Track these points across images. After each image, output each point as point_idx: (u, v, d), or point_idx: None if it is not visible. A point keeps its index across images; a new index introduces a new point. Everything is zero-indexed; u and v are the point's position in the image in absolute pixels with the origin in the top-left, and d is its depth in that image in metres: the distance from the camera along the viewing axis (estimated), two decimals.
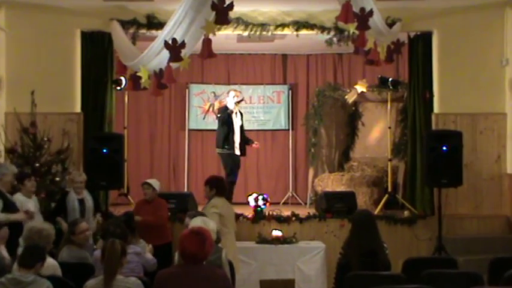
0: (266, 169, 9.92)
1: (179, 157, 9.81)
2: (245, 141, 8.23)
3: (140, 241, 5.05)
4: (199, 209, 6.37)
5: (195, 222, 4.39)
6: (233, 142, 7.99)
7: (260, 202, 7.31)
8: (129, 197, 7.81)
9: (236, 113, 8.18)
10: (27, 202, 5.62)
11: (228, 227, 5.84)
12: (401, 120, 8.71)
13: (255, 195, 7.39)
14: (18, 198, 5.60)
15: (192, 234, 3.48)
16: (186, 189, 9.35)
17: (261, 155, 9.86)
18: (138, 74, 6.62)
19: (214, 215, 5.59)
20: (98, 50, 7.37)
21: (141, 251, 4.77)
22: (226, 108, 8.16)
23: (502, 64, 7.44)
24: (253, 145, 8.28)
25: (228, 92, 8.50)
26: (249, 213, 7.25)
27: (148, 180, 6.53)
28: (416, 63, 7.63)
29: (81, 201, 6.03)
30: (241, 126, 8.16)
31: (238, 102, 8.17)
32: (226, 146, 7.89)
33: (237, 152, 8.08)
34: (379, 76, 7.96)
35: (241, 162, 9.53)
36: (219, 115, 7.93)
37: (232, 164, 8.06)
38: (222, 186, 5.91)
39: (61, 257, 4.67)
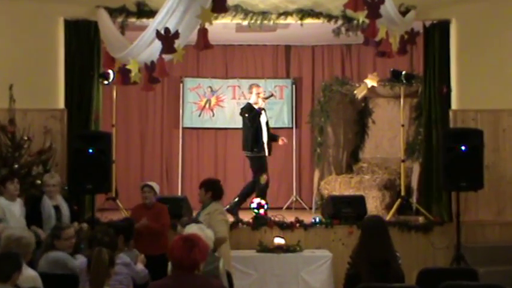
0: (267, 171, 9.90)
1: (172, 158, 9.82)
2: (271, 138, 8.09)
3: (133, 250, 5.05)
4: (194, 214, 6.38)
5: (191, 230, 4.38)
6: (262, 143, 7.89)
7: (253, 206, 7.35)
8: (117, 201, 7.79)
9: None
10: (11, 206, 5.60)
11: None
12: (415, 117, 8.71)
13: (257, 201, 7.40)
14: (1, 202, 5.56)
15: (180, 240, 3.50)
16: (180, 193, 9.35)
17: None
18: (127, 67, 6.62)
19: (223, 223, 5.59)
20: (83, 40, 7.35)
21: (131, 261, 4.75)
22: (250, 106, 7.96)
23: None
24: (280, 142, 8.15)
25: (250, 89, 8.39)
26: (248, 218, 7.27)
27: (150, 183, 6.52)
28: (432, 54, 7.61)
29: (57, 208, 5.97)
30: (267, 123, 8.07)
31: (266, 98, 8.04)
32: (255, 149, 7.81)
33: (266, 152, 7.98)
34: (392, 69, 7.95)
35: (242, 164, 9.59)
36: (246, 115, 7.84)
37: (263, 166, 7.95)
38: (218, 189, 5.90)
39: (41, 266, 4.63)
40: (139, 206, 6.55)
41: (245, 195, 7.77)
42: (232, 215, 7.31)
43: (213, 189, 5.85)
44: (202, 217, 5.55)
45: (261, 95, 8.01)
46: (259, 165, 7.88)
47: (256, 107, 7.90)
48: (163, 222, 6.31)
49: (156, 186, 6.53)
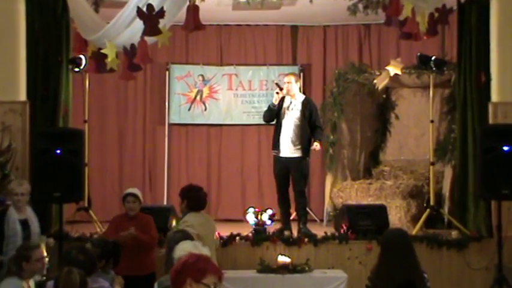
0: (270, 176, 9.77)
1: (157, 160, 9.84)
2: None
3: (109, 272, 5.02)
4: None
5: (182, 248, 4.29)
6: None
7: (264, 218, 7.30)
8: (90, 212, 7.78)
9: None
10: None
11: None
12: (447, 111, 8.70)
13: (252, 210, 7.37)
14: None
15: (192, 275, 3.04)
16: (165, 202, 9.37)
17: (263, 157, 9.85)
18: (102, 51, 6.62)
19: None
20: (48, 19, 7.31)
21: (109, 286, 4.70)
22: None
23: None
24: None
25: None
26: (247, 232, 7.25)
27: (133, 191, 6.50)
28: (468, 36, 7.58)
29: (25, 223, 5.90)
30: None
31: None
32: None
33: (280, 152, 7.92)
34: (419, 54, 7.91)
35: (239, 167, 9.54)
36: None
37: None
38: (194, 198, 5.92)
39: None
40: (120, 216, 6.54)
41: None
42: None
43: (187, 197, 5.90)
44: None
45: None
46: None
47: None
48: (154, 235, 6.29)
49: (140, 193, 6.54)
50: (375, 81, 8.87)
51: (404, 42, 8.55)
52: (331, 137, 9.23)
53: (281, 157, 7.63)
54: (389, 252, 4.44)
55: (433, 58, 7.75)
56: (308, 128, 7.60)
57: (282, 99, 7.70)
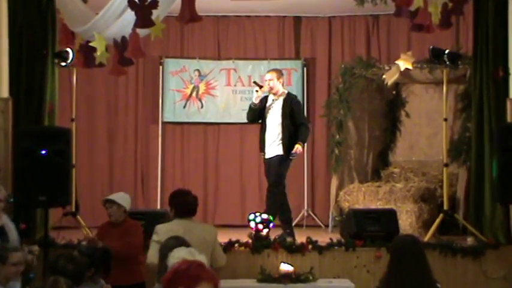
0: None
1: (150, 161, 9.86)
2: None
3: (98, 281, 5.01)
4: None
5: (178, 255, 4.23)
6: None
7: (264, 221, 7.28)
8: (78, 217, 7.79)
9: None
10: None
11: None
12: (462, 109, 8.68)
13: (253, 216, 7.32)
14: None
15: (179, 276, 3.07)
16: (159, 206, 9.36)
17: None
18: (91, 44, 6.67)
19: (153, 245, 5.64)
20: (32, 10, 7.28)
21: None
22: None
23: None
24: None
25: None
26: (246, 239, 7.24)
27: (111, 196, 6.50)
28: (484, 28, 7.55)
29: (1, 231, 5.88)
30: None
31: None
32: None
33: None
34: (431, 47, 7.89)
35: (238, 169, 9.51)
36: None
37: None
38: (180, 203, 5.93)
39: None
40: (106, 224, 6.54)
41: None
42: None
43: (174, 203, 5.95)
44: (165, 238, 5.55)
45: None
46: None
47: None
48: (128, 240, 6.20)
49: (122, 198, 6.44)
50: (384, 76, 8.86)
51: (415, 35, 8.55)
52: (337, 137, 9.24)
53: (267, 159, 7.72)
54: (399, 260, 4.42)
55: (446, 51, 7.73)
56: (292, 127, 7.65)
57: (266, 98, 7.78)
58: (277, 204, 7.71)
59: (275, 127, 7.70)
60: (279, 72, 7.97)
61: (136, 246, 6.30)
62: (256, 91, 7.74)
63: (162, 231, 5.69)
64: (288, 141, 7.64)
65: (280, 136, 7.66)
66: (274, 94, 7.78)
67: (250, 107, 7.85)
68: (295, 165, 9.79)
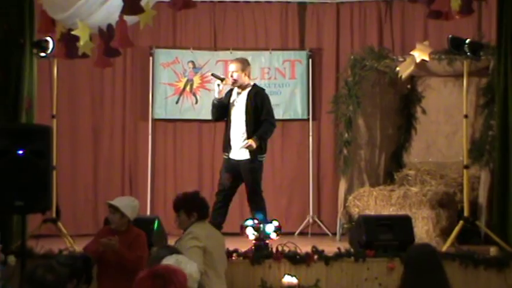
0: (273, 181, 9.94)
1: (139, 162, 9.86)
2: None
3: None
4: (171, 242, 6.38)
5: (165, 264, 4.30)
6: None
7: (268, 231, 7.27)
8: (59, 224, 7.77)
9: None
10: None
11: (215, 268, 5.86)
12: (484, 104, 8.65)
13: (250, 222, 7.34)
14: None
15: (149, 276, 3.41)
16: (148, 212, 9.39)
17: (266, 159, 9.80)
18: (73, 32, 6.65)
19: (196, 251, 5.62)
20: None
21: None
22: None
23: None
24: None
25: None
26: (246, 248, 7.23)
27: (115, 202, 6.43)
28: (510, 15, 7.57)
29: None
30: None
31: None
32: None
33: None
34: (450, 36, 7.89)
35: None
36: None
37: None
38: (201, 205, 5.96)
39: None
40: (106, 229, 6.51)
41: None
42: None
43: (195, 206, 5.91)
44: (156, 248, 5.68)
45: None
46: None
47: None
48: (143, 255, 6.19)
49: (128, 206, 6.35)
50: (397, 68, 8.80)
51: (433, 23, 8.54)
52: (346, 135, 9.24)
53: (231, 159, 7.71)
54: (414, 272, 4.45)
55: (467, 41, 7.70)
56: (259, 124, 7.65)
57: (231, 92, 7.75)
58: (264, 210, 7.73)
59: (240, 125, 7.67)
60: (244, 63, 7.88)
61: (144, 259, 6.21)
62: (218, 85, 7.68)
63: (203, 236, 5.74)
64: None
65: (245, 136, 7.63)
66: (239, 87, 7.72)
67: (213, 103, 7.79)
68: (299, 167, 9.88)
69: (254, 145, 7.59)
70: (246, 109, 7.63)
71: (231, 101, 7.72)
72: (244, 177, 7.72)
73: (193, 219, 5.88)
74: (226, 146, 7.75)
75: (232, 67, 7.75)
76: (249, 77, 7.85)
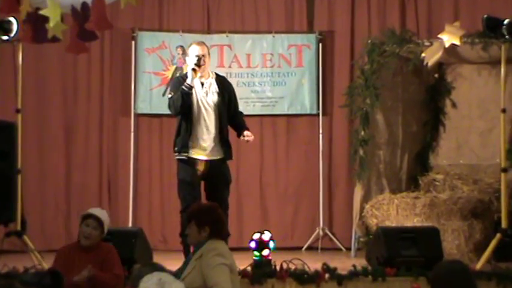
0: (277, 187, 10.00)
1: (119, 164, 9.91)
2: None
3: None
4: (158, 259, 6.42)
5: (146, 286, 4.30)
6: None
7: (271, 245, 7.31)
8: (25, 238, 7.73)
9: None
10: None
11: None
12: None
13: (258, 236, 7.33)
14: None
15: None
16: (130, 223, 9.45)
17: (266, 160, 9.94)
18: (41, 12, 6.67)
19: (223, 269, 5.63)
20: None
21: None
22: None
23: None
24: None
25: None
26: (246, 265, 7.23)
27: (96, 212, 6.44)
28: None
29: None
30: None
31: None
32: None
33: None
34: (485, 16, 7.89)
35: (234, 171, 9.44)
36: None
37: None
38: (215, 221, 5.88)
39: None
40: (69, 246, 6.51)
41: None
42: None
43: (210, 221, 5.82)
44: (189, 267, 5.64)
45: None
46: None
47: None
48: (119, 274, 6.25)
49: (105, 215, 6.42)
50: (423, 54, 8.87)
51: (464, 1, 8.44)
52: (362, 133, 9.24)
53: (193, 158, 7.62)
54: None
55: (505, 22, 7.68)
56: (228, 117, 7.65)
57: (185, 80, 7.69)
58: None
59: (208, 118, 7.61)
60: (208, 47, 7.86)
61: (122, 278, 6.31)
62: (193, 69, 7.53)
63: (228, 253, 5.76)
64: (227, 137, 7.62)
65: (217, 131, 7.58)
66: (201, 76, 7.63)
67: (183, 93, 7.58)
68: (307, 171, 9.88)
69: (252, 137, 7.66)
70: (221, 101, 7.59)
71: (197, 90, 7.62)
72: (216, 180, 7.66)
73: (205, 234, 5.81)
74: (185, 145, 7.62)
75: (203, 50, 7.62)
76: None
